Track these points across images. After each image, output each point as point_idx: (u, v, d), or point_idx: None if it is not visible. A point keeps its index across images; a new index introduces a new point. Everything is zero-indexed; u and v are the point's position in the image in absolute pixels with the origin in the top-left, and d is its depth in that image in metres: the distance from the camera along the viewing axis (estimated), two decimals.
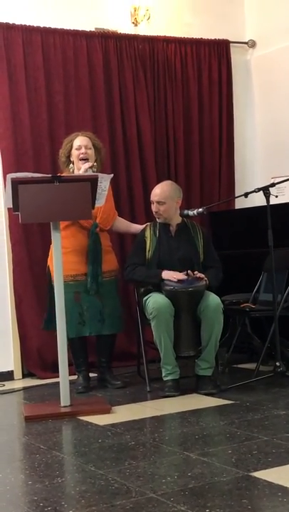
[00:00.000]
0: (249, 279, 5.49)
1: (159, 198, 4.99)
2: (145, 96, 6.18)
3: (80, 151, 5.04)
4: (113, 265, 5.19)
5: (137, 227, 5.33)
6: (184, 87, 6.40)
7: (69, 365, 4.58)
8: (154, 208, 5.04)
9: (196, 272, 4.83)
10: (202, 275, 4.82)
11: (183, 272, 4.82)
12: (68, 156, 5.10)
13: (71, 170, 5.08)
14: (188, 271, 4.82)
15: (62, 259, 4.59)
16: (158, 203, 5.00)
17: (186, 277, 4.79)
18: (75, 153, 5.06)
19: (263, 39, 6.66)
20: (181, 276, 4.79)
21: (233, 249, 5.99)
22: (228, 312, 5.02)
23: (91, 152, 5.07)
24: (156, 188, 5.07)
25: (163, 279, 4.82)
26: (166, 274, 4.83)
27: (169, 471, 3.27)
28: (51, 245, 4.78)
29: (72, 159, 5.09)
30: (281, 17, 6.39)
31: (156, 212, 5.03)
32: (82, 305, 5.01)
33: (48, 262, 5.09)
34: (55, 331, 4.59)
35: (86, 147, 5.06)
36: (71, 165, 5.09)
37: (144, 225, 5.23)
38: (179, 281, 4.78)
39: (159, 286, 4.85)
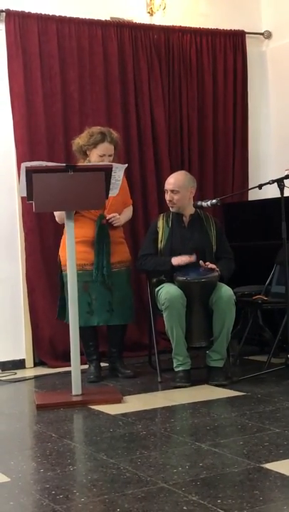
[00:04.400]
0: (261, 271, 5.48)
1: (173, 186, 4.99)
2: (160, 86, 6.16)
3: (102, 158, 5.00)
4: (124, 256, 5.18)
5: None
6: (199, 78, 6.37)
7: (80, 354, 4.59)
8: (167, 196, 5.04)
9: (207, 263, 4.83)
10: (214, 266, 4.82)
11: (194, 264, 4.83)
12: (86, 150, 5.06)
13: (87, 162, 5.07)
14: (200, 261, 4.82)
15: None
16: (172, 191, 5.00)
17: (194, 258, 4.79)
18: (96, 158, 5.01)
19: (278, 30, 6.61)
20: (189, 258, 4.79)
21: (246, 241, 5.98)
22: (240, 304, 5.01)
23: (111, 159, 5.05)
24: (170, 177, 5.07)
25: (173, 266, 4.83)
26: (176, 260, 4.85)
27: (180, 461, 3.27)
28: (63, 235, 4.79)
29: (88, 153, 5.06)
30: None
31: (169, 201, 5.03)
32: (91, 294, 5.01)
33: (60, 252, 5.10)
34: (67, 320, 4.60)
35: (109, 156, 5.04)
36: (88, 158, 5.08)
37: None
38: (191, 272, 4.77)
39: (170, 274, 4.85)
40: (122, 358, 5.27)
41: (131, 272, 5.25)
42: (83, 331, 5.02)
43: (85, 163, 4.97)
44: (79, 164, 4.80)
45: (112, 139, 5.07)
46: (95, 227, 5.01)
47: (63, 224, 4.74)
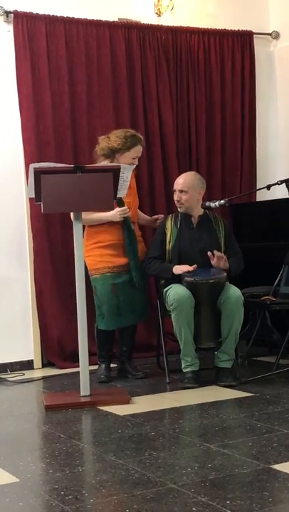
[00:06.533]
0: (270, 271, 5.46)
1: (182, 186, 4.99)
2: (167, 87, 6.16)
3: (134, 161, 5.07)
4: (143, 255, 5.21)
5: (145, 218, 5.46)
6: (207, 78, 6.37)
7: (89, 355, 4.58)
8: (176, 196, 5.04)
9: (215, 252, 4.82)
10: (222, 254, 4.82)
11: (203, 263, 4.84)
12: (117, 152, 5.05)
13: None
14: (209, 252, 4.81)
15: (99, 252, 4.96)
16: (180, 191, 5.00)
17: (195, 267, 4.79)
18: (128, 160, 5.02)
19: (286, 30, 6.61)
20: (190, 268, 4.79)
21: (255, 241, 5.96)
22: (248, 305, 5.00)
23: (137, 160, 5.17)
24: (179, 178, 5.08)
25: (174, 274, 4.84)
26: (177, 269, 4.85)
27: (189, 462, 3.27)
28: (83, 239, 4.80)
29: (117, 155, 5.04)
30: None
31: (178, 201, 5.03)
32: (119, 296, 5.03)
33: (84, 257, 5.06)
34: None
35: (139, 158, 5.16)
36: (115, 160, 5.05)
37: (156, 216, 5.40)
38: (200, 272, 4.77)
39: (173, 280, 4.85)
40: (132, 359, 5.27)
41: None
42: (107, 333, 5.04)
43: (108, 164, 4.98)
44: (87, 165, 4.80)
45: (143, 142, 5.20)
46: (123, 230, 5.02)
47: (81, 227, 4.71)
